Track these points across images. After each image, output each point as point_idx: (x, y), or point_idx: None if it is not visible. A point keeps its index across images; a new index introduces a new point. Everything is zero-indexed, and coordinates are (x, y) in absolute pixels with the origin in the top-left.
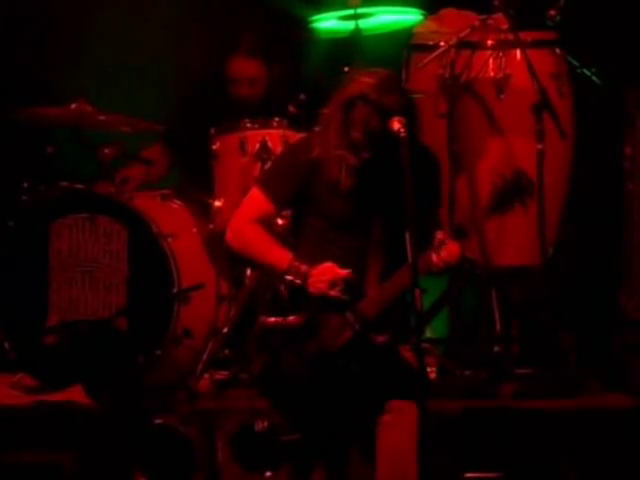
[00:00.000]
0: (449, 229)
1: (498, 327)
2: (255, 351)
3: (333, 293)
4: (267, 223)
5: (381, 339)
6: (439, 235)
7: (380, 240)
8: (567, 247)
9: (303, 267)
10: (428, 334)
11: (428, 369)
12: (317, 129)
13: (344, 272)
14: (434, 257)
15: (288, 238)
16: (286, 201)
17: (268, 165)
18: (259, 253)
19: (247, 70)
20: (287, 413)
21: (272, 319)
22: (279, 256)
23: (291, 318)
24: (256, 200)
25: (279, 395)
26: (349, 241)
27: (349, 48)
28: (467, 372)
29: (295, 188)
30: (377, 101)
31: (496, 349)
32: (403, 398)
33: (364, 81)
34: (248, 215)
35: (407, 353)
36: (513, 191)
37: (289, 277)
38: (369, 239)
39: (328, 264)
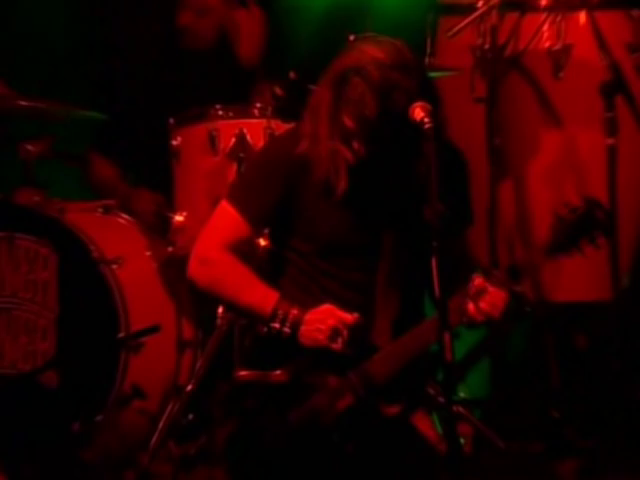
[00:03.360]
0: (488, 256)
1: (556, 383)
2: (222, 415)
3: (334, 346)
4: (241, 248)
5: (392, 411)
6: (477, 280)
7: (393, 271)
8: None
9: (294, 311)
10: (461, 394)
11: (461, 440)
12: (304, 115)
13: (350, 317)
14: (471, 307)
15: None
16: (266, 219)
17: (241, 170)
18: (234, 291)
19: None
20: None
21: (246, 373)
22: (261, 296)
23: (275, 373)
24: (227, 219)
25: (249, 476)
26: (350, 272)
27: (356, 10)
28: (514, 444)
29: (278, 200)
30: (377, 79)
31: (554, 413)
32: None
33: (367, 51)
34: (217, 239)
35: (423, 422)
36: (583, 228)
37: (274, 324)
38: (378, 270)
39: (327, 306)
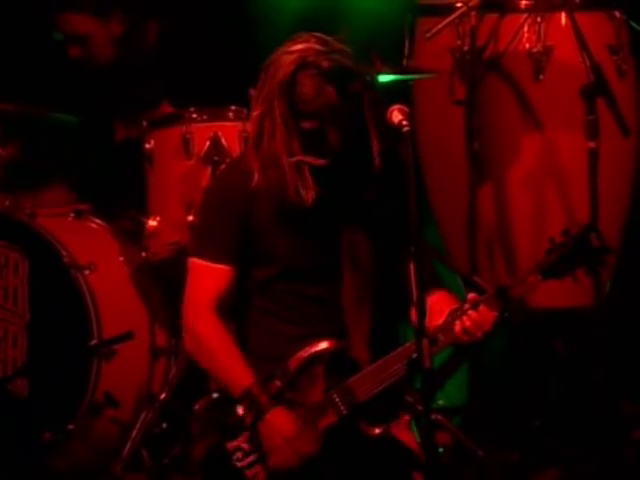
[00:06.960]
0: (468, 262)
1: (536, 391)
2: (201, 428)
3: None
4: (230, 298)
5: (376, 431)
6: (470, 295)
7: (360, 283)
8: (629, 282)
9: (262, 399)
10: (440, 401)
11: (439, 450)
12: (248, 146)
13: (310, 449)
14: (457, 326)
15: None
16: (240, 252)
17: (196, 223)
18: (214, 366)
19: (71, 25)
20: None
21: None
22: (235, 375)
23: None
24: (202, 275)
25: None
26: (318, 287)
27: (328, 9)
28: (493, 454)
29: (237, 236)
30: (326, 64)
31: (534, 422)
32: None
33: (296, 48)
34: (201, 302)
35: (405, 434)
36: (578, 254)
37: (240, 410)
38: (343, 283)
39: (289, 427)
